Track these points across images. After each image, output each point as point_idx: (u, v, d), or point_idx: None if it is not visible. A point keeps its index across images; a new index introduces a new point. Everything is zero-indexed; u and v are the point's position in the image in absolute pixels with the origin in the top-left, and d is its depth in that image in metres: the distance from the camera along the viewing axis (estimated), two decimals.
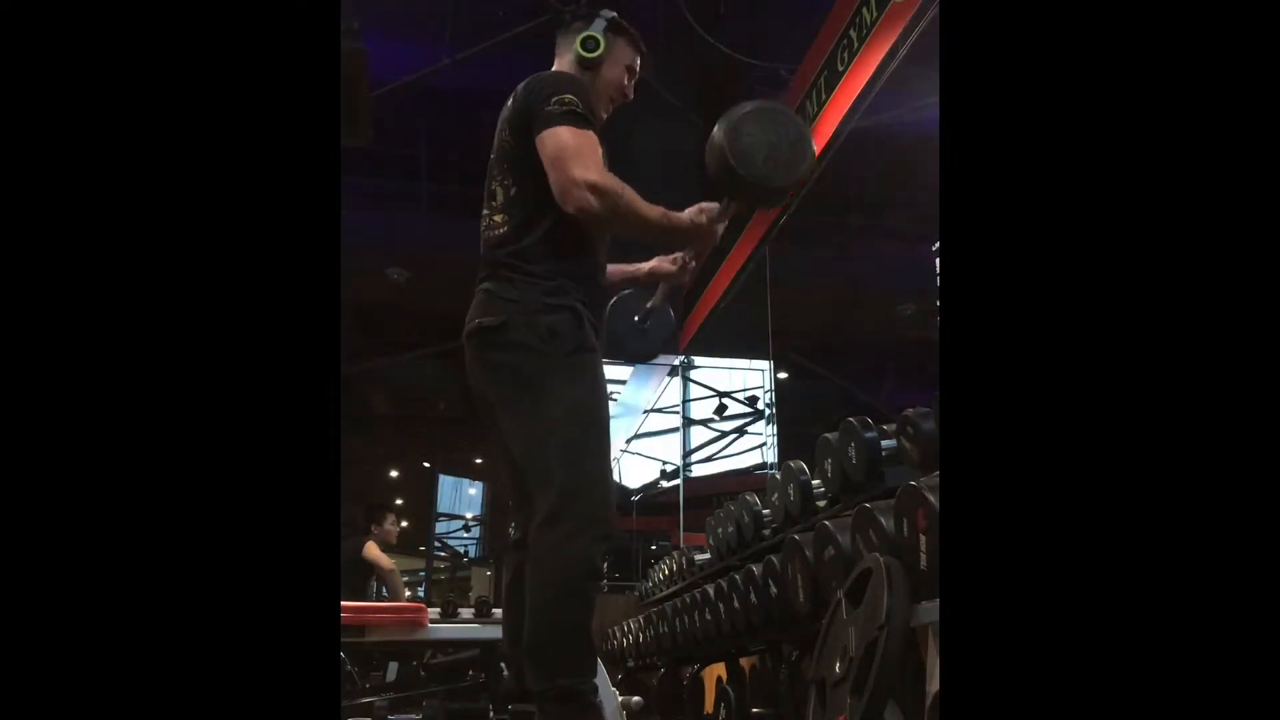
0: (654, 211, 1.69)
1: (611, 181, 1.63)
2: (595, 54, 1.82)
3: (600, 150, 1.67)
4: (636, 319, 2.03)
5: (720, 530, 3.59)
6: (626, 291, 2.03)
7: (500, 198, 1.76)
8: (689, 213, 1.75)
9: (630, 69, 1.89)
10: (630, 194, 1.65)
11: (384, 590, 5.27)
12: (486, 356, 1.71)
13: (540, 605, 1.59)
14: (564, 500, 1.59)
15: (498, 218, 1.76)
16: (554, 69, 1.86)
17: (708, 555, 4.07)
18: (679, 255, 1.93)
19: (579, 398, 1.66)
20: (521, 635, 1.62)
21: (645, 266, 2.00)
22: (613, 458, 1.79)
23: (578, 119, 1.65)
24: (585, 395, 1.67)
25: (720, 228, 1.80)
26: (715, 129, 1.64)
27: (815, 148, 1.71)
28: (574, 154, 1.62)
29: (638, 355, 2.15)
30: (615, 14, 1.88)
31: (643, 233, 1.72)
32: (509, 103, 1.78)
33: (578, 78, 1.79)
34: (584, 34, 1.83)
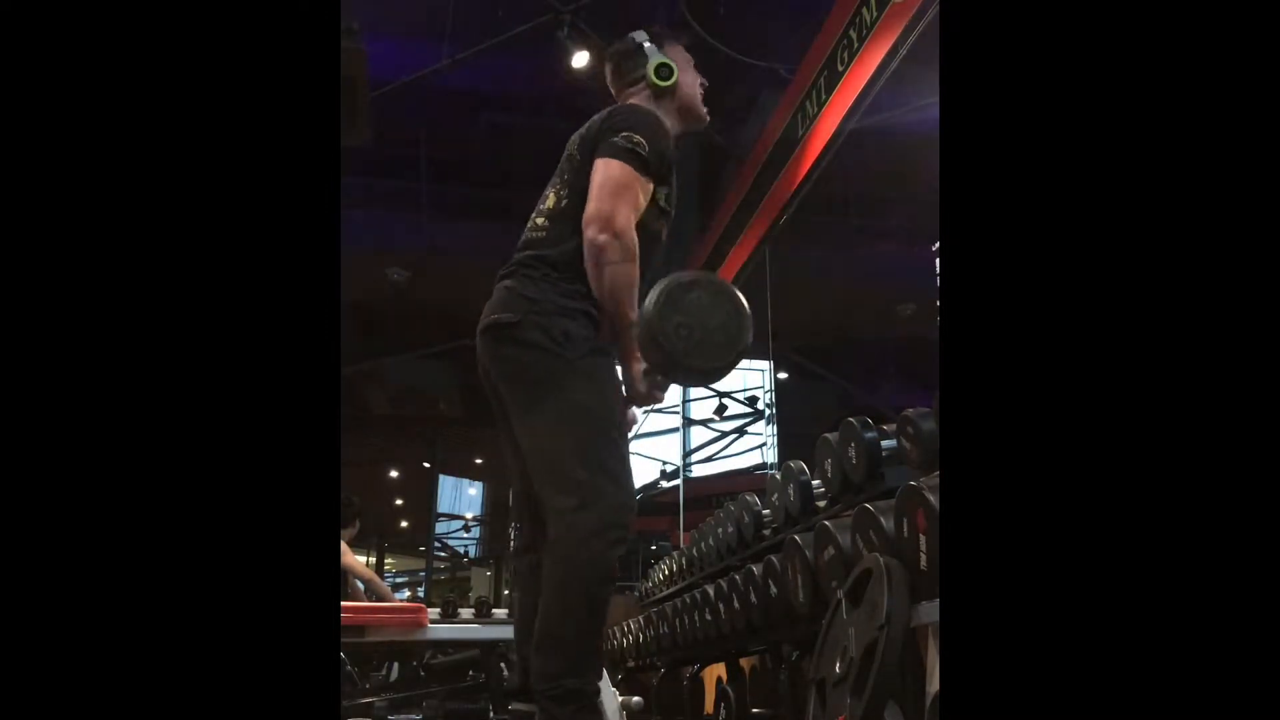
0: (633, 310, 1.62)
1: (630, 241, 1.63)
2: (672, 80, 1.84)
3: (642, 203, 1.66)
4: None
5: (720, 530, 3.59)
6: None
7: (550, 202, 1.77)
8: (640, 371, 1.71)
9: (694, 65, 1.92)
10: (633, 271, 1.63)
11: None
12: (498, 352, 1.71)
13: (553, 605, 1.58)
14: (582, 502, 1.58)
15: (540, 220, 1.77)
16: (628, 104, 1.83)
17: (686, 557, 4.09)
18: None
19: (594, 400, 1.65)
20: (529, 635, 1.62)
21: None
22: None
23: (638, 160, 1.66)
24: (600, 397, 1.67)
25: (659, 393, 1.77)
26: (650, 296, 1.55)
27: (751, 331, 1.58)
28: (615, 191, 1.63)
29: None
30: (645, 32, 1.90)
31: (611, 309, 1.66)
32: (591, 120, 1.78)
33: (659, 121, 1.77)
34: (656, 63, 1.84)
